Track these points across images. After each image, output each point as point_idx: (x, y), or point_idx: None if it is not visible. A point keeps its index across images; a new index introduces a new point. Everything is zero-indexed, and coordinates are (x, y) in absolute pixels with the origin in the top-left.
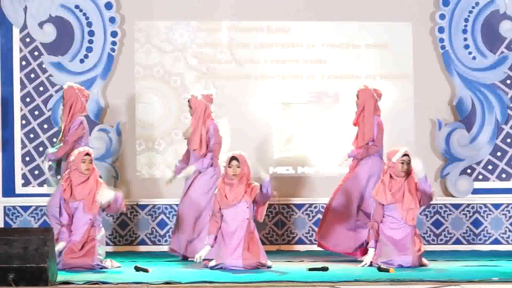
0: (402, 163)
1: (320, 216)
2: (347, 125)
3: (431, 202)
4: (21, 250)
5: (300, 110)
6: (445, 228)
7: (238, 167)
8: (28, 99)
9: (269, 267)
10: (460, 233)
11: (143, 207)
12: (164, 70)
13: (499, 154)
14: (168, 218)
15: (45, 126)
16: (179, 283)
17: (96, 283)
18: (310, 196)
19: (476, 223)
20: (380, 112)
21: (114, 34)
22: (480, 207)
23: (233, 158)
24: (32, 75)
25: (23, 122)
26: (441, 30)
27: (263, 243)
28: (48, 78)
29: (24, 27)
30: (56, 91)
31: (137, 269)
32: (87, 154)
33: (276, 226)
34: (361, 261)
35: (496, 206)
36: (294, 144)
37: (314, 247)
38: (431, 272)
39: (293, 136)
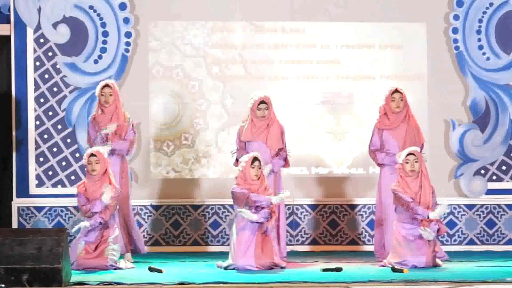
0: (407, 162)
1: (334, 216)
2: (360, 125)
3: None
4: (35, 251)
5: (314, 111)
6: (459, 229)
7: (259, 168)
8: (42, 100)
9: (282, 267)
10: (474, 233)
11: (157, 207)
12: (183, 73)
13: None
14: (182, 218)
15: (59, 126)
16: (193, 283)
17: (110, 283)
18: (324, 197)
19: (490, 224)
20: None
21: (128, 34)
22: (494, 208)
23: (255, 158)
24: (46, 76)
25: (37, 122)
26: (455, 30)
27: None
28: (62, 78)
29: (38, 27)
30: (70, 92)
31: (151, 269)
32: (92, 155)
33: (290, 227)
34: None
35: (510, 206)
36: (307, 144)
37: (328, 248)
38: (445, 273)
39: (306, 136)
